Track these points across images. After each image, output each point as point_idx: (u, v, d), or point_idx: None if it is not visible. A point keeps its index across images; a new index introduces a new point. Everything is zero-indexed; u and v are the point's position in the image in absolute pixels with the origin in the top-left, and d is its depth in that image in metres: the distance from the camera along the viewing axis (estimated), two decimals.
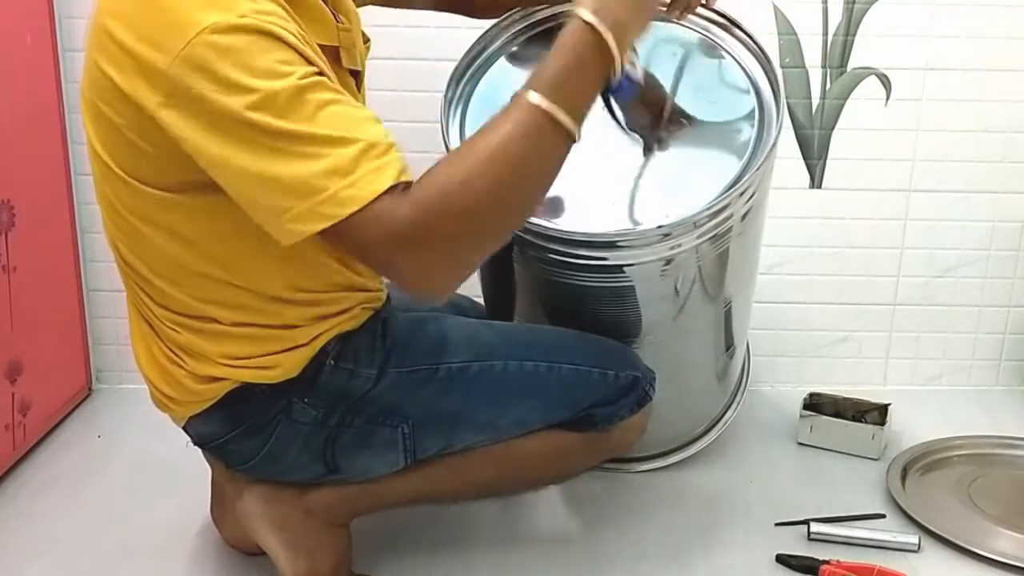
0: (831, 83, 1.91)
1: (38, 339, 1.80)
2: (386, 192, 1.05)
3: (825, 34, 1.89)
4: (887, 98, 1.92)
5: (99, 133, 1.18)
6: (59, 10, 1.85)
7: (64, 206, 1.91)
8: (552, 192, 1.28)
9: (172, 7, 1.07)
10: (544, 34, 1.55)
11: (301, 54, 1.08)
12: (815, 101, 1.92)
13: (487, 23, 1.55)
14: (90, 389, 2.03)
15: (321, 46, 1.19)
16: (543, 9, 1.55)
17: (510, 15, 1.55)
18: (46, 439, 1.85)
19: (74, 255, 1.95)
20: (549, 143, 1.09)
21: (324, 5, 1.23)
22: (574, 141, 1.10)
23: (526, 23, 1.56)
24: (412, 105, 1.61)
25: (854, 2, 1.87)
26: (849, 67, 1.91)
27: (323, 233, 1.07)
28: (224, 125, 1.06)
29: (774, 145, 1.42)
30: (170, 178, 1.16)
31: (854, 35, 1.89)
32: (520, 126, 1.07)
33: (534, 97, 1.07)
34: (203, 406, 1.31)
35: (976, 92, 1.91)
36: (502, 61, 1.54)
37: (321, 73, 1.10)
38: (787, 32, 1.89)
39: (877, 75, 1.91)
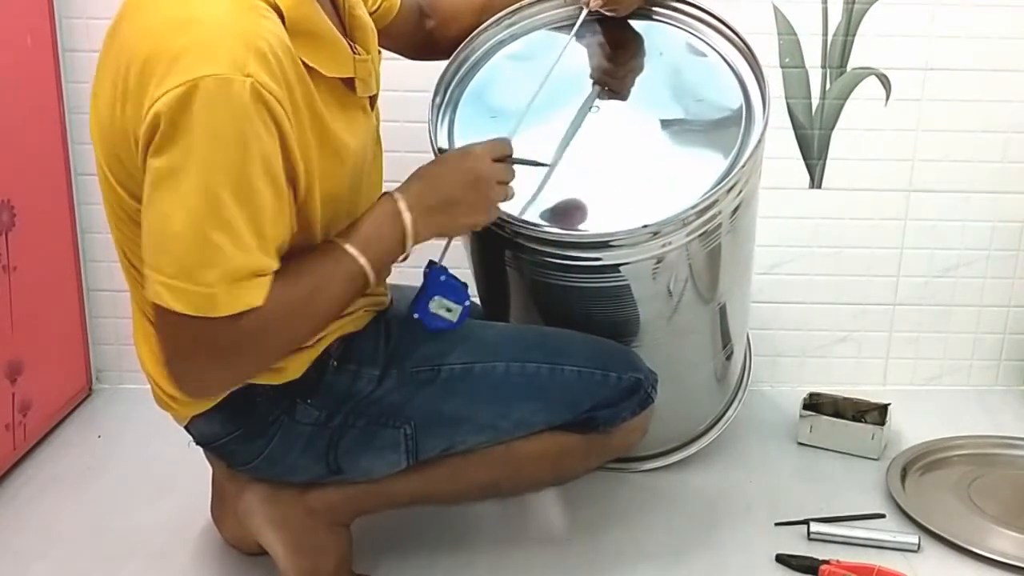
0: (831, 83, 1.91)
1: (38, 339, 1.80)
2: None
3: (825, 34, 1.89)
4: (887, 98, 1.92)
5: (103, 146, 1.19)
6: (59, 10, 1.85)
7: (64, 206, 1.91)
8: (544, 196, 1.38)
9: (188, 38, 1.08)
10: (530, 34, 1.57)
11: (282, 136, 1.12)
12: (815, 101, 1.92)
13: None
14: (90, 389, 2.03)
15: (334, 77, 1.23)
16: (523, 7, 1.55)
17: (495, 19, 1.54)
18: (46, 439, 1.85)
19: (74, 255, 1.95)
20: (355, 286, 1.25)
21: (343, 39, 1.24)
22: (368, 285, 1.26)
23: (509, 29, 1.56)
24: (405, 104, 1.62)
25: (854, 2, 1.87)
26: (849, 67, 1.90)
27: (171, 312, 1.12)
28: (183, 163, 1.08)
29: (760, 140, 1.42)
30: None
31: (854, 35, 1.89)
32: (336, 271, 1.23)
33: (351, 249, 1.23)
34: (206, 406, 1.31)
35: (976, 92, 1.91)
36: (489, 65, 1.54)
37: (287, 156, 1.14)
38: (787, 32, 1.89)
39: (877, 75, 1.91)
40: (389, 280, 1.47)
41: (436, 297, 1.33)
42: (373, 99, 1.35)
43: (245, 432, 1.33)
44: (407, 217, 1.26)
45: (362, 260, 1.23)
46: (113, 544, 1.55)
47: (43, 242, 1.82)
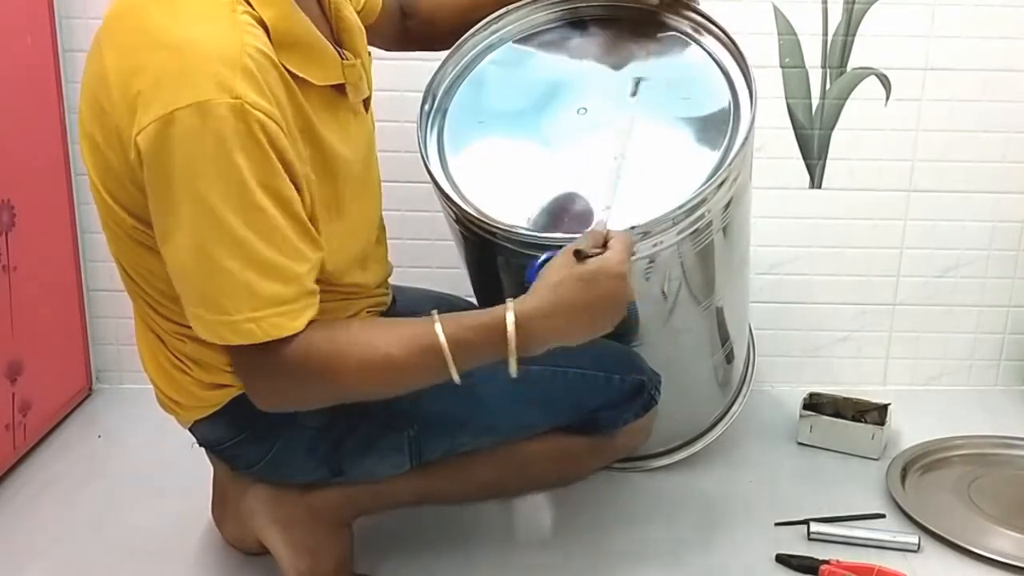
0: (831, 83, 1.91)
1: (38, 339, 1.80)
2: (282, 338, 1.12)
3: (825, 34, 1.89)
4: (887, 98, 1.92)
5: (95, 165, 1.19)
6: (59, 10, 1.85)
7: (64, 206, 1.91)
8: (535, 199, 1.39)
9: (169, 62, 1.07)
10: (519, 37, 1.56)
11: (278, 153, 1.10)
12: (815, 101, 1.92)
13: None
14: (90, 389, 2.03)
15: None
16: (509, 11, 1.54)
17: (482, 24, 1.54)
18: (46, 439, 1.85)
19: (74, 255, 1.95)
20: (432, 374, 1.18)
21: (329, 45, 1.23)
22: (444, 371, 1.18)
23: (496, 32, 1.55)
24: (402, 104, 1.62)
25: (854, 2, 1.87)
26: (849, 67, 1.91)
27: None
28: (178, 197, 1.08)
29: (748, 136, 1.41)
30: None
31: (854, 35, 1.89)
32: (419, 348, 1.16)
33: (442, 338, 1.15)
34: (209, 411, 1.32)
35: (976, 92, 1.91)
36: (477, 71, 1.54)
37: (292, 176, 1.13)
38: (787, 32, 1.89)
39: (877, 75, 1.91)
40: (391, 281, 1.48)
41: None
42: (366, 101, 1.34)
43: (249, 436, 1.33)
44: (511, 329, 1.16)
45: (447, 350, 1.15)
46: (113, 544, 1.55)
47: (43, 242, 1.82)
